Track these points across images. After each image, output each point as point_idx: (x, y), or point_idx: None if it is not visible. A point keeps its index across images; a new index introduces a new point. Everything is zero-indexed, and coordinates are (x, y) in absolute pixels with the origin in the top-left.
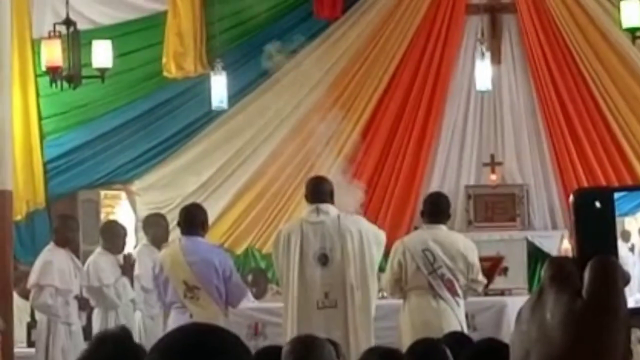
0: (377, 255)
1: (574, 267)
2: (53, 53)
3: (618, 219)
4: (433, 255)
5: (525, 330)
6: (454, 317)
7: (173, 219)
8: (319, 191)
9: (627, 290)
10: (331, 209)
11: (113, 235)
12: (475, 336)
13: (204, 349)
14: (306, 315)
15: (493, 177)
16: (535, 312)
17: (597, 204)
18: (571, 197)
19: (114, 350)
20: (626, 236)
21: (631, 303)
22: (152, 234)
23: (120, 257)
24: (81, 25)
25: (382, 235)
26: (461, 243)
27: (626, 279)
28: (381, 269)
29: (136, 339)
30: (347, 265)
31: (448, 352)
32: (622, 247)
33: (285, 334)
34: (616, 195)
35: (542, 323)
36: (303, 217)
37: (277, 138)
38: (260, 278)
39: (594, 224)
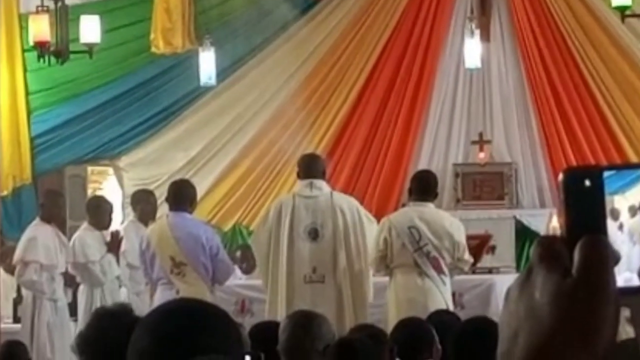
0: (371, 231)
1: (563, 246)
2: (41, 28)
3: (607, 198)
4: (419, 233)
5: (514, 309)
6: (439, 295)
7: (161, 195)
8: (312, 168)
9: (615, 269)
10: (324, 186)
11: (99, 211)
12: (463, 314)
13: (192, 325)
14: (293, 289)
15: (481, 155)
16: (524, 291)
17: (587, 183)
18: (560, 176)
19: (111, 324)
20: (615, 214)
21: (620, 282)
22: (139, 210)
23: (107, 233)
24: (69, 0)
25: (374, 224)
26: (447, 221)
27: (616, 258)
28: None
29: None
30: (337, 241)
31: (433, 331)
32: (611, 226)
33: (272, 308)
34: (606, 173)
35: (531, 302)
36: (296, 191)
37: (266, 114)
38: (248, 254)
39: (584, 202)
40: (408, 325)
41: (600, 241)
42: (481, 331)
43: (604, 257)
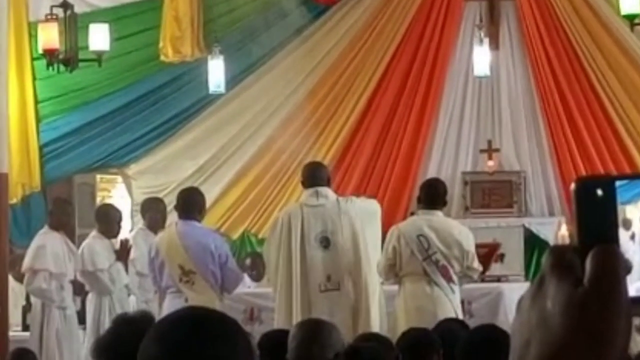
0: (377, 227)
1: (575, 256)
2: (50, 36)
3: (619, 207)
4: (427, 241)
5: (525, 319)
6: (449, 303)
7: (169, 203)
8: (316, 176)
9: (627, 278)
10: (330, 193)
11: (108, 219)
12: (472, 322)
13: (201, 334)
14: (307, 299)
15: (490, 163)
16: (536, 301)
17: (599, 192)
18: (573, 186)
19: (129, 331)
20: (627, 224)
21: (632, 291)
22: (149, 218)
23: (115, 241)
24: (78, 8)
25: (374, 205)
26: (456, 230)
27: (627, 268)
28: None
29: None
30: (349, 248)
31: (439, 341)
32: (623, 235)
33: (283, 317)
34: (617, 183)
35: (543, 312)
36: (302, 201)
37: (274, 123)
38: (258, 262)
39: (596, 212)
40: (413, 335)
41: (612, 251)
42: (489, 339)
43: (615, 267)
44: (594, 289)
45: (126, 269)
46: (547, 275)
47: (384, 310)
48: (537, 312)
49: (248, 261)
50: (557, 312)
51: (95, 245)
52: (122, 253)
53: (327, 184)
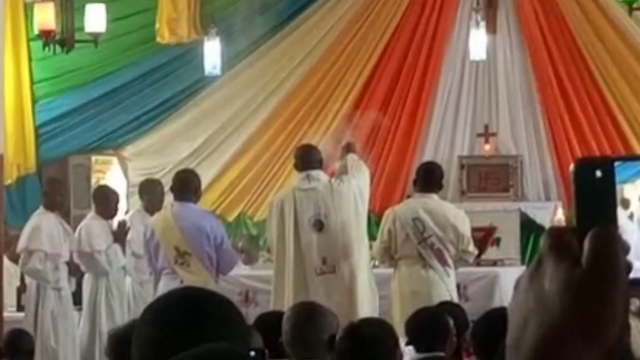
0: (365, 186)
1: (573, 237)
2: (46, 16)
3: (617, 186)
4: (423, 225)
5: (523, 299)
6: (444, 286)
7: (165, 184)
8: (308, 159)
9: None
10: (322, 176)
11: (105, 199)
12: (467, 306)
13: (197, 313)
14: (303, 282)
15: (487, 147)
16: (534, 281)
17: (598, 174)
18: (571, 166)
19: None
20: (625, 204)
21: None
22: (146, 199)
23: (113, 222)
24: None
25: (366, 178)
26: (452, 213)
27: (626, 249)
28: (372, 237)
29: (125, 305)
30: (343, 230)
31: (451, 322)
32: (621, 215)
33: (278, 301)
34: (616, 163)
35: (541, 292)
36: (294, 185)
37: (270, 105)
38: (251, 245)
39: (594, 193)
40: (425, 316)
41: (611, 232)
42: (501, 322)
43: (613, 248)
44: (592, 270)
45: (123, 251)
46: (545, 256)
47: (376, 295)
48: (535, 293)
49: (244, 243)
50: (555, 293)
51: (92, 227)
52: (120, 234)
53: (320, 166)
